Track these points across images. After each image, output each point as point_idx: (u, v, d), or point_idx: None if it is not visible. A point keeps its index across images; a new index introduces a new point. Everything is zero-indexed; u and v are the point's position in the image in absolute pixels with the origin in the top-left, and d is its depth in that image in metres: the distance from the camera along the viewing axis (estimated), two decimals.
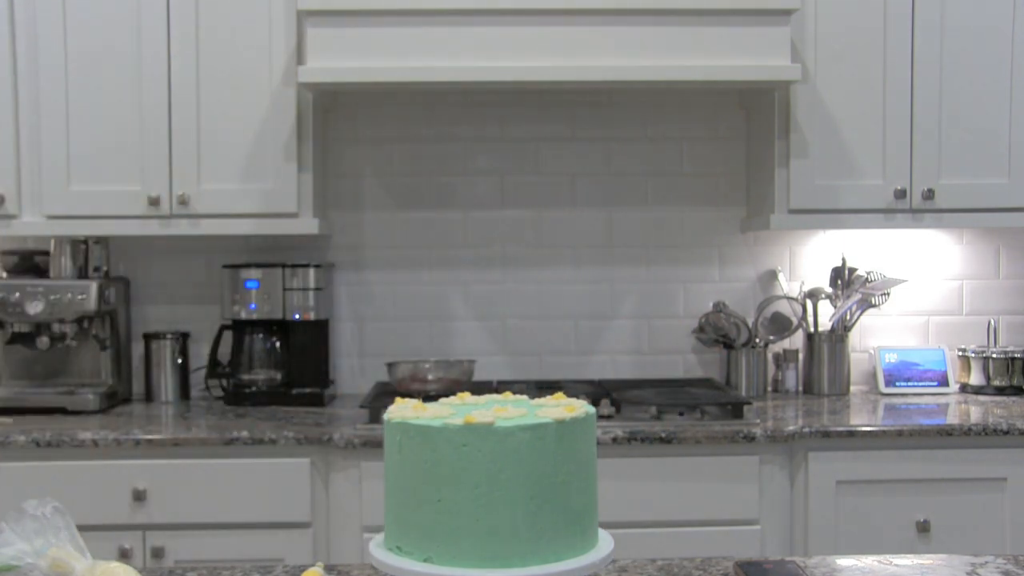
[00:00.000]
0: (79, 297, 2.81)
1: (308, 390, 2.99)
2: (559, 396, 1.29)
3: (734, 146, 3.21)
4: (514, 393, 1.41)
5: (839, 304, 3.10)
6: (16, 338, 2.88)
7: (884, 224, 2.90)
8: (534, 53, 2.65)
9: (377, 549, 1.22)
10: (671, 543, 2.49)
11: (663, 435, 2.52)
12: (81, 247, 2.93)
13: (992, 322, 3.17)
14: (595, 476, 1.24)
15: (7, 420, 2.67)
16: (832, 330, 3.10)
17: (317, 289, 2.94)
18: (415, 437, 1.18)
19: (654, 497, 2.55)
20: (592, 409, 1.24)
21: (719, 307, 3.13)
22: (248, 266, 2.95)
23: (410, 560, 1.18)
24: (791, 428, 2.57)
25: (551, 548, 1.16)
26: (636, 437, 2.52)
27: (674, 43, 2.67)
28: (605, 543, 1.23)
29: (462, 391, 1.64)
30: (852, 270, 3.13)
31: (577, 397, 1.35)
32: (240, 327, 3.00)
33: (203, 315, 3.15)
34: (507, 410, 1.20)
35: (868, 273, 3.10)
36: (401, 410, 1.25)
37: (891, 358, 3.14)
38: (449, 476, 1.15)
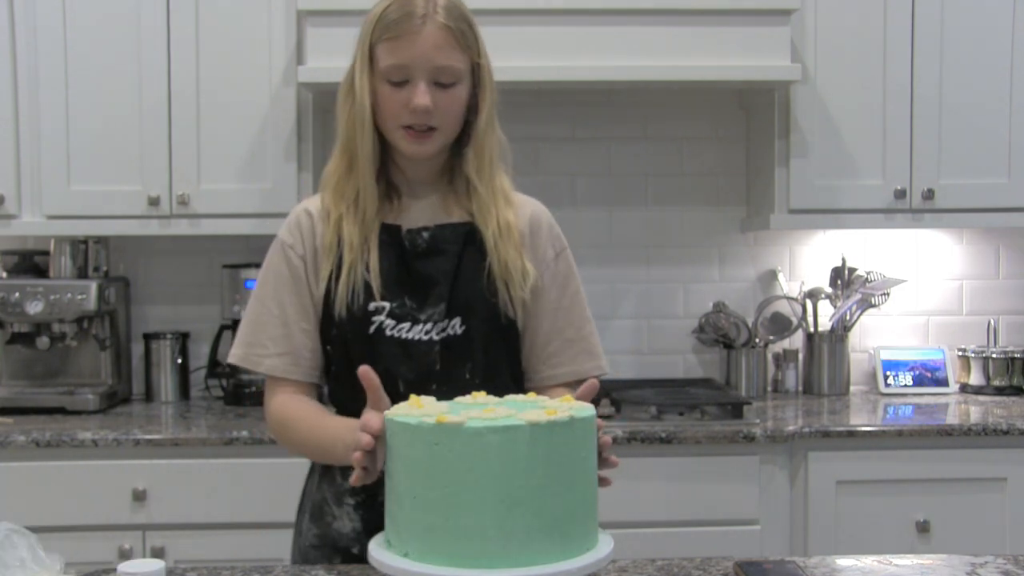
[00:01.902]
0: (79, 297, 2.81)
1: None
2: (567, 398, 1.28)
3: (734, 146, 3.20)
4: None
5: (839, 304, 3.10)
6: (16, 338, 2.88)
7: (884, 224, 2.89)
8: (534, 53, 2.65)
9: (377, 549, 1.22)
10: (671, 543, 2.49)
11: (663, 435, 2.52)
12: (81, 247, 2.93)
13: (992, 322, 3.17)
14: (587, 481, 1.20)
15: (7, 420, 2.67)
16: (832, 330, 3.10)
17: None
18: (397, 434, 1.19)
19: (654, 497, 2.55)
20: (589, 412, 1.21)
21: (719, 307, 3.13)
22: (248, 266, 2.95)
23: (392, 554, 1.19)
24: (791, 428, 2.57)
25: (524, 552, 1.13)
26: (636, 437, 2.52)
27: (674, 43, 2.66)
28: (597, 549, 1.19)
29: None
30: (852, 270, 3.12)
31: None
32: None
33: (203, 315, 3.14)
34: (495, 411, 1.18)
35: (868, 273, 3.10)
36: (400, 407, 1.25)
37: (891, 358, 3.14)
38: (422, 474, 1.15)
